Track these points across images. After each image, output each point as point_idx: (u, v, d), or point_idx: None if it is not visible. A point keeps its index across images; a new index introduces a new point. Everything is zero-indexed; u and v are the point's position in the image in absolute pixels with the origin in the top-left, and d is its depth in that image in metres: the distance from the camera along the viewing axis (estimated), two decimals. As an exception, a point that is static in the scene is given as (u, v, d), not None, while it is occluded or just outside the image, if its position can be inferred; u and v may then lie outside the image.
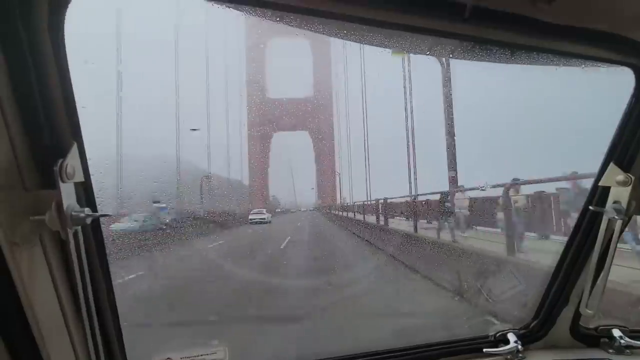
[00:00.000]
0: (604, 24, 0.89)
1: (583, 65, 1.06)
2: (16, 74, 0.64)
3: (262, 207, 24.64)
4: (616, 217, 1.10)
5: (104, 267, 0.86)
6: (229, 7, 0.89)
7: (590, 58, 1.01)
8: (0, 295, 0.66)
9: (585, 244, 1.26)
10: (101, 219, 0.81)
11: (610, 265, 1.17)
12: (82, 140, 0.74)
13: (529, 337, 1.39)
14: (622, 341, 1.34)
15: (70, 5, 0.66)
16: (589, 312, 1.22)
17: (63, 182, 0.67)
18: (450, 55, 1.04)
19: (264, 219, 21.80)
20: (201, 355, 1.09)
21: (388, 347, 1.30)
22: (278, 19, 0.91)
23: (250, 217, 21.34)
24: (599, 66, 1.06)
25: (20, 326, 0.68)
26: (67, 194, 0.69)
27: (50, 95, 0.69)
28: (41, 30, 0.65)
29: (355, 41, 0.96)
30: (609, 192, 1.14)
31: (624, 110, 1.10)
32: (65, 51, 0.69)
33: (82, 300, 0.74)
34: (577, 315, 1.37)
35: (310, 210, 38.01)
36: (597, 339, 1.40)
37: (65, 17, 0.66)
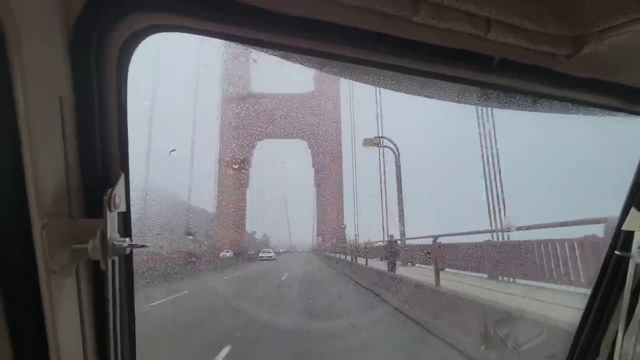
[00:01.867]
0: (621, 77, 0.96)
1: (601, 114, 1.12)
2: (81, 106, 0.67)
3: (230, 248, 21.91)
4: None
5: (130, 299, 0.83)
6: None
7: (609, 108, 1.07)
8: (27, 321, 0.64)
9: (612, 291, 1.23)
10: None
11: None
12: (128, 171, 0.76)
13: None
14: None
15: (139, 46, 0.71)
16: None
17: (110, 211, 0.67)
18: (477, 102, 1.10)
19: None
20: None
21: None
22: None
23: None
24: (620, 116, 1.12)
25: (41, 354, 0.65)
26: (112, 223, 0.69)
27: (108, 128, 0.72)
28: (110, 66, 0.70)
29: (393, 89, 1.02)
30: (632, 236, 1.15)
31: None
32: (126, 87, 0.73)
33: (110, 334, 0.71)
34: None
35: (307, 252, 34.04)
36: None
37: (133, 56, 0.72)
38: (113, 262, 0.70)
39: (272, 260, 24.79)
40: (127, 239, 0.72)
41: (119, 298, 0.76)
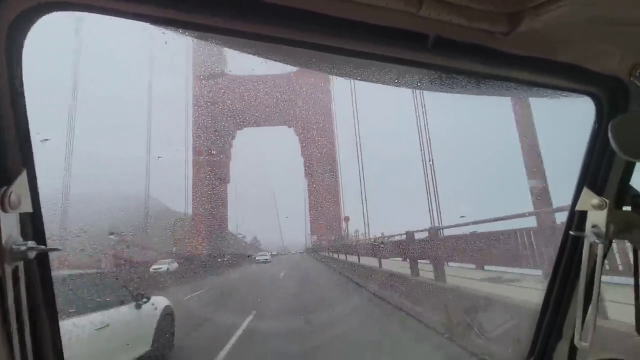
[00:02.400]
0: (562, 55, 0.94)
1: (547, 96, 1.11)
2: None
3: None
4: (597, 240, 1.09)
5: (49, 308, 0.77)
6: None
7: (550, 87, 1.06)
8: None
9: (571, 272, 1.23)
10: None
11: (599, 291, 1.13)
12: (33, 169, 0.70)
13: None
14: None
15: (30, 31, 0.65)
16: (584, 344, 1.16)
17: (5, 211, 0.61)
18: (418, 84, 1.07)
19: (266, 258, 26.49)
20: None
21: None
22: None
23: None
24: (563, 96, 1.11)
25: None
26: (9, 225, 0.63)
27: (1, 119, 0.66)
28: None
29: (326, 72, 0.98)
30: (585, 216, 1.14)
31: (588, 138, 1.14)
32: (21, 73, 0.67)
33: (16, 348, 0.65)
34: (572, 349, 1.29)
35: (300, 252, 32.10)
36: None
37: (25, 41, 0.66)
38: (16, 268, 0.64)
39: (267, 262, 25.47)
40: (31, 242, 0.66)
41: (34, 308, 0.70)
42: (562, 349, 1.30)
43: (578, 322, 1.16)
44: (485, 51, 0.89)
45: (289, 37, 0.81)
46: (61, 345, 0.79)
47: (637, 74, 0.95)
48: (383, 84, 1.01)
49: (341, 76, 0.98)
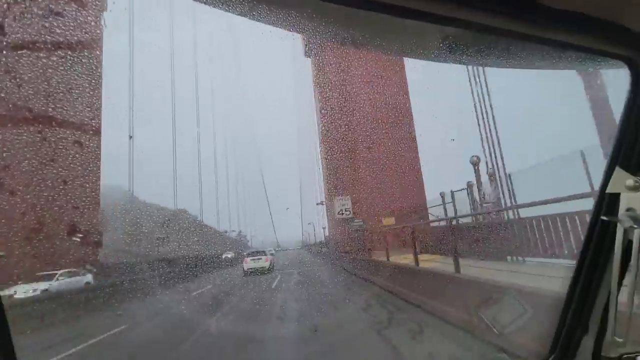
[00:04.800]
0: (597, 10, 0.83)
1: (579, 61, 1.00)
2: None
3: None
4: (634, 225, 0.98)
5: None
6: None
7: (584, 50, 0.95)
8: None
9: (599, 261, 1.13)
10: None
11: (634, 282, 1.02)
12: None
13: None
14: None
15: None
16: (619, 340, 1.05)
17: None
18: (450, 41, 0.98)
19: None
20: None
21: None
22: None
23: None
24: (595, 62, 1.00)
25: None
26: None
27: None
28: None
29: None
30: (618, 199, 1.03)
31: (622, 111, 1.02)
32: None
33: None
34: (598, 344, 1.19)
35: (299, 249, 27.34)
36: None
37: None
38: None
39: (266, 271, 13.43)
40: None
41: None
42: (586, 344, 1.20)
43: (611, 314, 1.06)
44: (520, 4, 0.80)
45: None
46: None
47: None
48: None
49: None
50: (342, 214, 18.56)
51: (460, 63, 1.01)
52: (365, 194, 17.98)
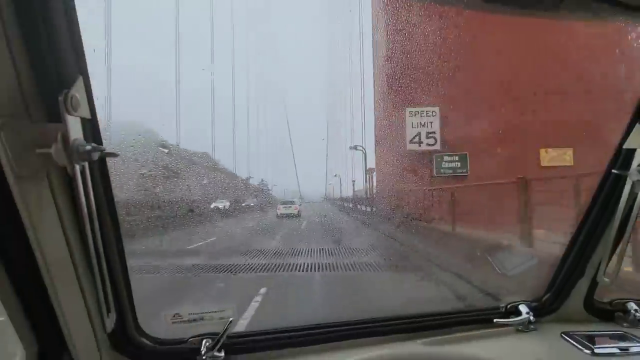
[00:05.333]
0: None
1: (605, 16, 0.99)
2: (21, 4, 0.63)
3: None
4: None
5: (111, 208, 0.86)
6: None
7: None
8: (7, 230, 0.67)
9: (606, 211, 1.21)
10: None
11: (631, 232, 1.12)
12: (88, 77, 0.73)
13: (541, 310, 1.36)
14: (637, 314, 1.31)
15: None
16: (606, 280, 1.18)
17: (69, 114, 0.66)
18: None
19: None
20: (209, 312, 1.09)
21: (398, 313, 1.29)
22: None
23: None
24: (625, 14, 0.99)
25: (27, 264, 0.69)
26: (74, 128, 0.68)
27: (56, 27, 0.68)
28: None
29: None
30: (633, 155, 1.09)
31: None
32: None
33: (89, 240, 0.74)
34: (592, 288, 1.33)
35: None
36: (611, 312, 1.37)
37: None
38: (83, 168, 0.71)
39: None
40: (93, 144, 0.71)
41: (98, 207, 0.79)
42: (581, 287, 1.34)
43: (605, 257, 1.17)
44: None
45: None
46: (122, 240, 0.90)
47: None
48: None
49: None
50: (419, 141, 10.37)
51: None
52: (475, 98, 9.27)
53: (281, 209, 16.18)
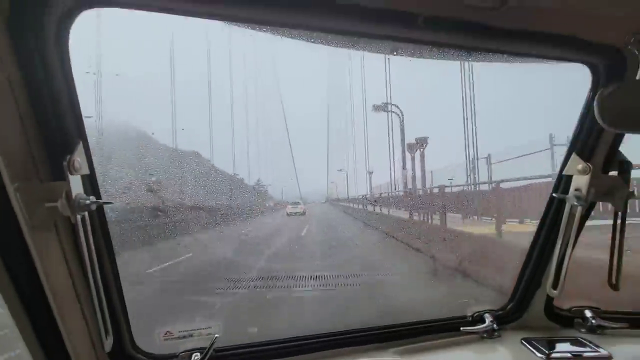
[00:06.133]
0: (555, 26, 0.96)
1: (544, 62, 1.13)
2: (30, 82, 0.77)
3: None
4: (576, 203, 1.18)
5: (109, 248, 1.00)
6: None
7: (546, 58, 1.09)
8: (23, 269, 0.80)
9: (553, 230, 1.34)
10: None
11: (573, 248, 1.25)
12: (86, 139, 0.87)
13: (504, 318, 1.48)
14: (593, 321, 1.43)
15: (77, 18, 0.78)
16: (555, 292, 1.31)
17: (71, 174, 0.80)
18: (410, 59, 1.11)
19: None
20: (197, 329, 1.22)
21: (369, 325, 1.41)
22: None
23: None
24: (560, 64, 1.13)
25: (39, 300, 0.82)
26: (75, 184, 0.82)
27: (59, 99, 0.81)
28: (49, 39, 0.77)
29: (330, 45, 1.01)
30: (570, 180, 1.22)
31: (583, 106, 1.17)
32: (69, 59, 0.81)
33: (90, 276, 0.88)
34: (550, 297, 1.45)
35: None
36: (570, 319, 1.49)
37: (72, 27, 0.79)
38: (84, 217, 0.85)
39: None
40: (92, 197, 0.85)
41: (98, 248, 0.93)
42: (540, 297, 1.46)
43: (551, 272, 1.30)
44: (476, 27, 0.92)
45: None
46: (119, 277, 1.04)
47: (633, 42, 0.96)
48: (379, 53, 1.05)
49: (343, 48, 1.03)
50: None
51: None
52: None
53: (290, 209, 18.61)
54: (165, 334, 1.21)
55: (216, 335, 1.18)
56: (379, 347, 1.35)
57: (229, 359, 1.23)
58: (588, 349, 1.31)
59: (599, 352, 1.28)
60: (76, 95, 0.85)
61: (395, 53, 1.08)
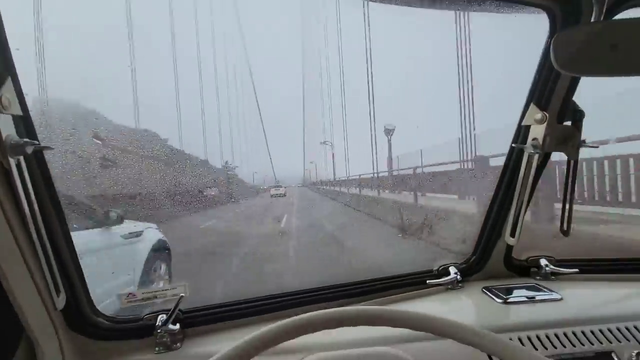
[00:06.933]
0: None
1: (502, 10, 1.14)
2: None
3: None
4: (533, 151, 1.23)
5: (53, 199, 0.92)
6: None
7: (505, 0, 1.09)
8: None
9: (513, 180, 1.40)
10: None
11: (530, 197, 1.31)
12: (16, 76, 0.78)
13: (468, 270, 1.55)
14: (547, 269, 1.53)
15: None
16: (512, 239, 1.38)
17: (0, 112, 0.72)
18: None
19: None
20: (162, 290, 1.18)
21: (335, 282, 1.43)
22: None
23: None
24: (522, 12, 1.14)
25: None
26: (5, 125, 0.74)
27: None
28: None
29: None
30: (529, 130, 1.26)
31: (541, 54, 1.20)
32: None
33: (31, 227, 0.81)
34: (509, 248, 1.53)
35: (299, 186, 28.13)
36: (527, 268, 1.58)
37: None
38: (19, 162, 0.77)
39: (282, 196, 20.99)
40: (25, 139, 0.77)
41: (39, 198, 0.85)
42: (500, 247, 1.54)
43: (508, 222, 1.36)
44: None
45: None
46: (68, 229, 0.96)
47: None
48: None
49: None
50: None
51: None
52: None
53: (272, 191, 22.15)
54: (128, 296, 1.16)
55: (181, 295, 1.15)
56: (349, 303, 1.37)
57: (196, 319, 1.20)
58: (542, 293, 1.40)
59: (552, 295, 1.37)
60: (2, 25, 0.75)
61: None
